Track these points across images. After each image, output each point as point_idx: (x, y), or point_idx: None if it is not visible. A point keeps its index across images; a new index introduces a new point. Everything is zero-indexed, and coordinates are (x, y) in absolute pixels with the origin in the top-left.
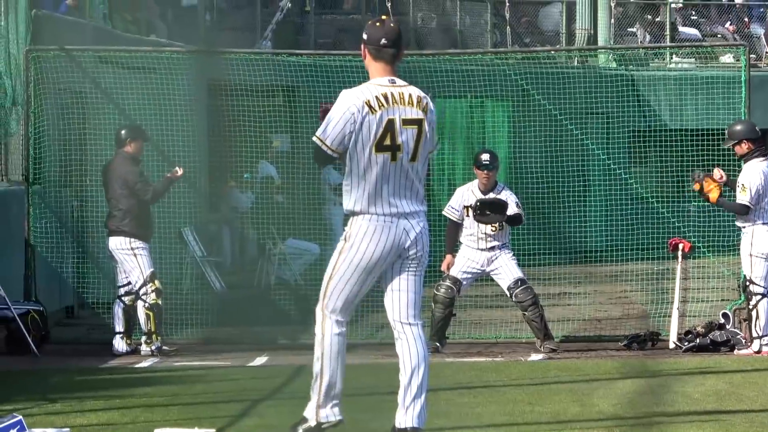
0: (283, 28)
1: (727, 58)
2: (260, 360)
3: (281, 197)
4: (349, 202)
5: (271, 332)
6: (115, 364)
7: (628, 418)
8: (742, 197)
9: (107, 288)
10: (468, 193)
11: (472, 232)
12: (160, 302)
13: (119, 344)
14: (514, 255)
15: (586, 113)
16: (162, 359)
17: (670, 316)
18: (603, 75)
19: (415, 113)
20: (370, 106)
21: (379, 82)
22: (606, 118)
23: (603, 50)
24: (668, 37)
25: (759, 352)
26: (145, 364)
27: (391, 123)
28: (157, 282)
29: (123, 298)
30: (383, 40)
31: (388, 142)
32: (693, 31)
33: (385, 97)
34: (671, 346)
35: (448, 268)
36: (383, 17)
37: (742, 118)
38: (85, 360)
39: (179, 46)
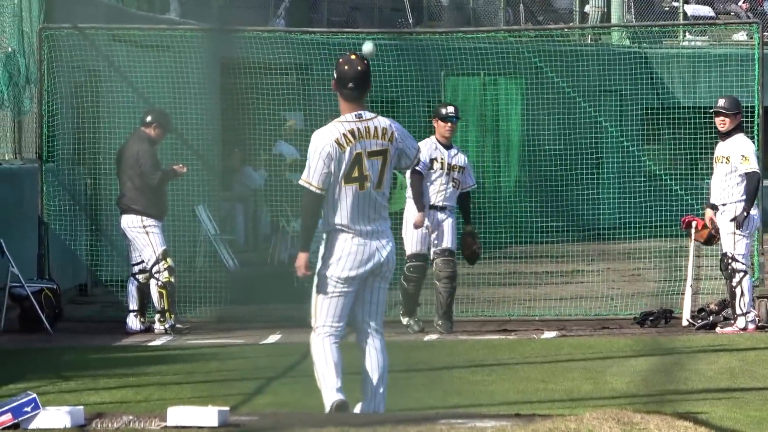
0: (296, 5)
1: (740, 36)
2: (274, 338)
3: (289, 176)
4: (325, 226)
5: (284, 310)
6: (129, 342)
7: (641, 396)
8: (746, 166)
9: (121, 266)
10: (431, 147)
11: (437, 188)
12: (172, 280)
13: (133, 322)
14: (456, 225)
15: (600, 91)
16: (175, 337)
17: (683, 294)
18: (616, 53)
19: (380, 144)
20: (339, 144)
21: (346, 119)
22: (619, 95)
23: (616, 28)
24: (681, 14)
25: (745, 329)
26: (158, 342)
27: (358, 156)
28: (169, 260)
29: (137, 276)
30: (350, 84)
31: (356, 174)
32: (705, 9)
33: (352, 133)
34: (684, 323)
35: (426, 230)
36: (352, 56)
37: (755, 95)
38: (99, 338)
39: (192, 24)
